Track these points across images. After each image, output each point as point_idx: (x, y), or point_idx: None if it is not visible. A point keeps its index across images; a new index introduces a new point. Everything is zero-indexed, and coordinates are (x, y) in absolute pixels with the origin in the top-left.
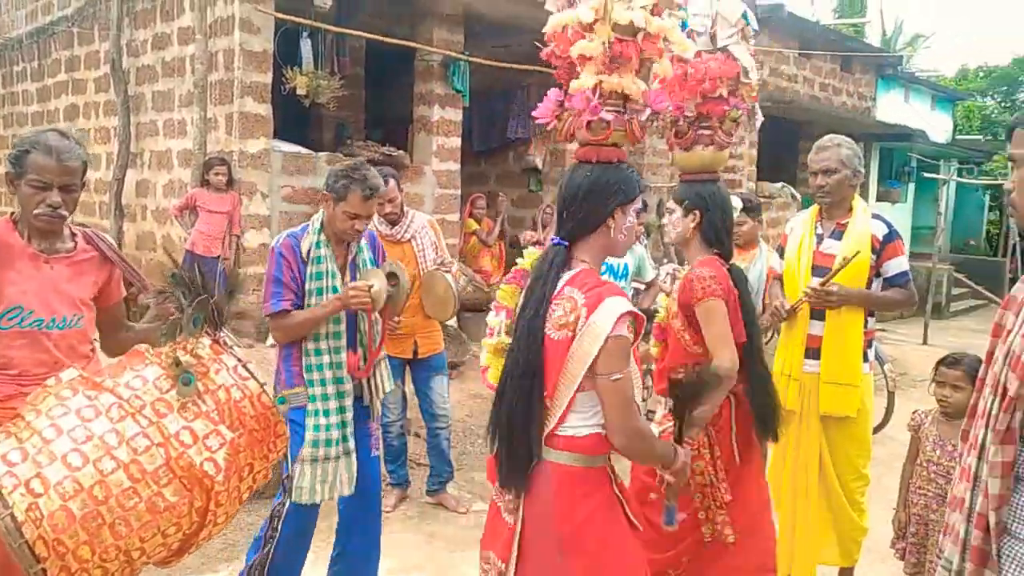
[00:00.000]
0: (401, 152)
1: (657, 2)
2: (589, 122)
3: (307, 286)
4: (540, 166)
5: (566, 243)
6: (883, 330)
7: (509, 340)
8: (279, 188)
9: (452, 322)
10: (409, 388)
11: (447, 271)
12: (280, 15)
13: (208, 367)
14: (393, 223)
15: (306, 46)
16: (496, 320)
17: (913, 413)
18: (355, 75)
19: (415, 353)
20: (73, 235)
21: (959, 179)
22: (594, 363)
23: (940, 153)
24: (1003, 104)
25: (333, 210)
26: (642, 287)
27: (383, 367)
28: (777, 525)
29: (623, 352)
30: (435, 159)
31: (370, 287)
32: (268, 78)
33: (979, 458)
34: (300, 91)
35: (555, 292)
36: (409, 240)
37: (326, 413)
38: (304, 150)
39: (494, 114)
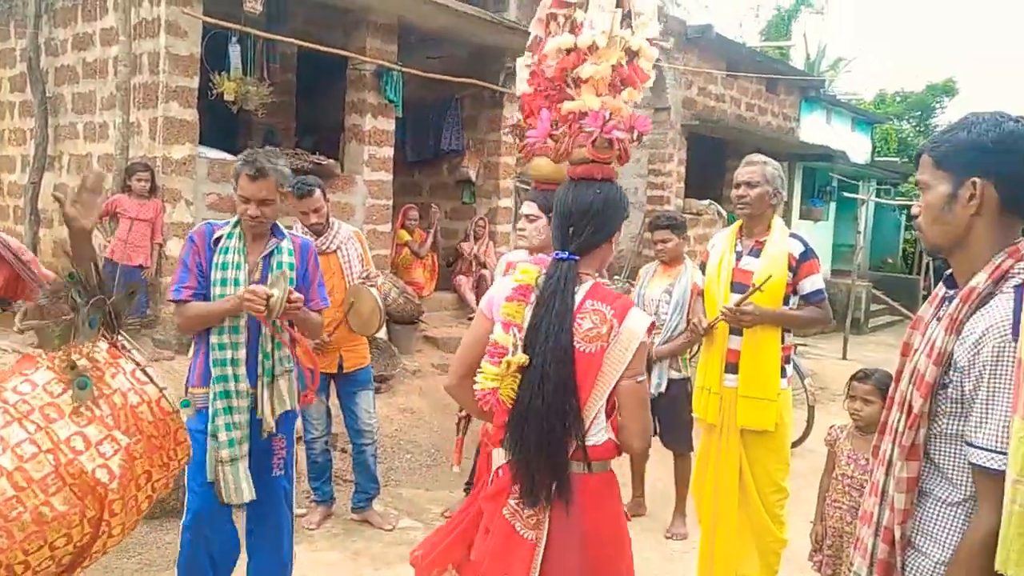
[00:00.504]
0: (332, 161)
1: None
2: (594, 140)
3: (212, 275)
4: (474, 178)
5: (576, 257)
6: (804, 344)
7: (524, 358)
8: (204, 195)
9: (383, 334)
10: (335, 403)
11: (372, 285)
12: (208, 19)
13: (104, 371)
14: (318, 233)
15: (235, 51)
16: (505, 337)
17: (830, 428)
18: (286, 82)
19: (340, 367)
20: None
21: (877, 199)
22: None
23: (860, 174)
24: (917, 128)
25: (236, 201)
26: None
27: (282, 381)
28: (698, 537)
29: (646, 356)
30: (367, 169)
31: (269, 296)
32: (195, 83)
33: (886, 473)
34: (228, 97)
35: (577, 306)
36: (335, 251)
37: (227, 411)
38: (231, 157)
39: (428, 125)
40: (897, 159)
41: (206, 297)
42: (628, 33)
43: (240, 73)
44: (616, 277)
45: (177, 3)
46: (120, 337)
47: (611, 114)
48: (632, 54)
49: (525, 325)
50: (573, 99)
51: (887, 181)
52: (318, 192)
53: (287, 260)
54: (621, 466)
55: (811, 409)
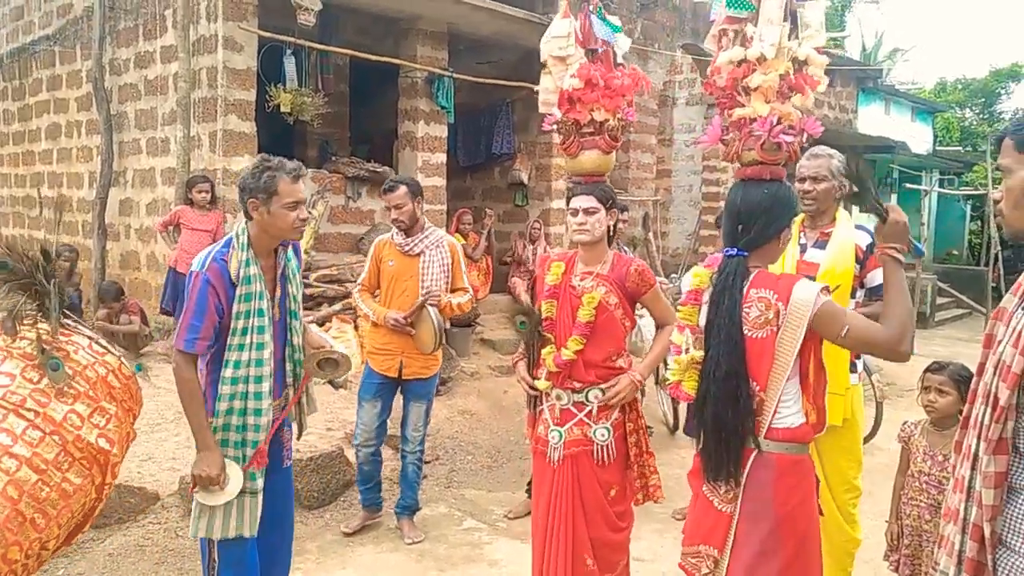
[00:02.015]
0: (386, 168)
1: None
2: (763, 143)
3: (234, 309)
4: (526, 181)
5: (745, 253)
6: None
7: (699, 354)
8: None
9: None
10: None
11: (433, 304)
12: (263, 33)
13: (67, 350)
14: (406, 232)
15: (290, 64)
16: (681, 338)
17: (903, 424)
18: (339, 92)
19: (399, 373)
20: None
21: (941, 190)
22: (814, 335)
23: (921, 164)
24: (981, 116)
25: (268, 212)
26: None
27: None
28: None
29: (837, 311)
30: (420, 175)
31: (219, 477)
32: (252, 96)
33: (972, 468)
34: (284, 108)
35: (744, 296)
36: (418, 255)
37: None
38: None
39: (479, 130)
40: (960, 148)
41: (215, 344)
42: (795, 44)
43: (295, 85)
44: (673, 275)
45: (233, 18)
46: (65, 317)
47: (780, 119)
48: (800, 63)
49: (702, 321)
50: (743, 106)
51: (950, 171)
52: (403, 189)
53: (294, 265)
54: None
55: (879, 405)
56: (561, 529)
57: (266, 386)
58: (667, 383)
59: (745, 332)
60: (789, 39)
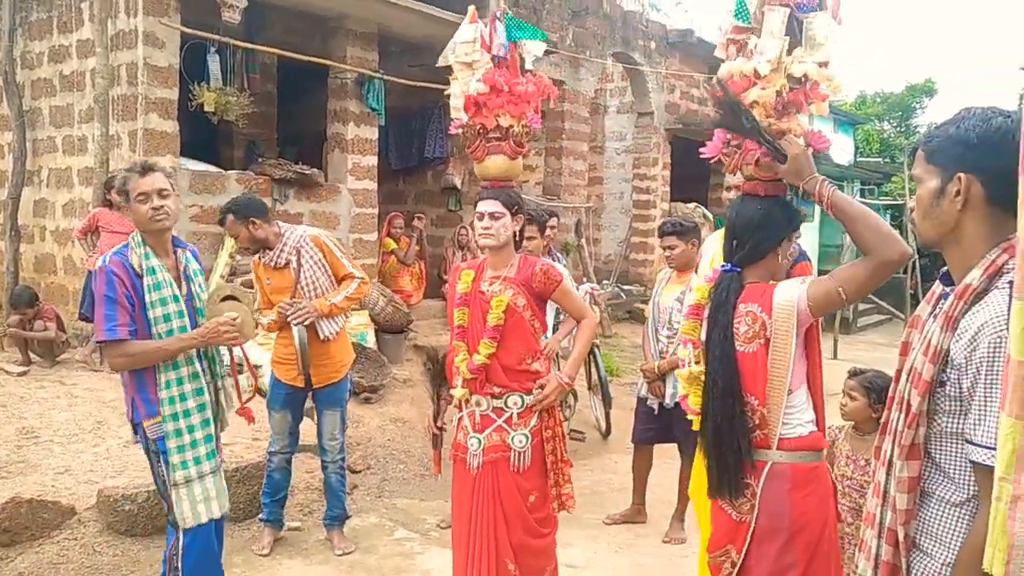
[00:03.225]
0: (315, 171)
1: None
2: (758, 160)
3: (146, 299)
4: (459, 185)
5: (739, 269)
6: None
7: (699, 368)
8: (187, 208)
9: (372, 344)
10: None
11: (296, 321)
12: (186, 29)
13: None
14: (266, 250)
15: (214, 62)
16: (685, 351)
17: (827, 428)
18: (266, 92)
19: (308, 383)
20: None
21: (862, 199)
22: (813, 332)
23: (844, 175)
24: (898, 128)
25: (130, 210)
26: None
27: (228, 383)
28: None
29: (822, 283)
30: (351, 177)
31: (235, 318)
32: (174, 94)
33: (887, 474)
34: (208, 108)
35: (733, 312)
36: (286, 265)
37: (190, 429)
38: (213, 168)
39: (411, 133)
40: (879, 159)
41: (135, 330)
42: (790, 61)
43: (220, 83)
44: (604, 281)
45: (154, 13)
46: None
47: (774, 135)
48: (796, 80)
49: (703, 337)
50: None
51: (870, 181)
52: (229, 218)
53: (196, 267)
54: (617, 473)
55: None
56: (483, 536)
57: (199, 365)
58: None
59: (737, 347)
60: (790, 53)
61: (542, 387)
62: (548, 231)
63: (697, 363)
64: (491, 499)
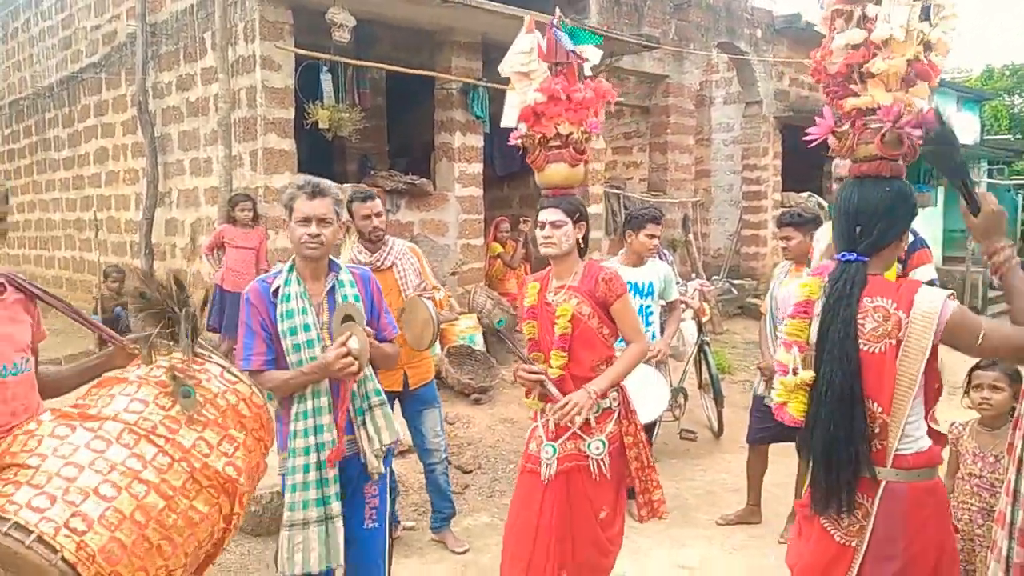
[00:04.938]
0: (424, 180)
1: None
2: (883, 136)
3: (279, 327)
4: None
5: (865, 258)
6: None
7: (809, 375)
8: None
9: (480, 346)
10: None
11: (428, 297)
12: (300, 51)
13: (199, 378)
14: (376, 241)
15: (326, 80)
16: (788, 356)
17: (950, 426)
18: (376, 106)
19: (405, 385)
20: None
21: (990, 180)
22: (935, 350)
23: (969, 155)
24: None
25: (289, 229)
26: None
27: (379, 413)
28: None
29: (969, 318)
30: (458, 185)
31: (348, 346)
32: (290, 113)
33: (1019, 472)
34: (322, 125)
35: (857, 307)
36: (390, 268)
37: (305, 469)
38: (329, 183)
39: None
40: (1009, 136)
41: (277, 358)
42: (927, 26)
43: (333, 101)
44: (715, 277)
45: (270, 38)
46: (197, 345)
47: (906, 109)
48: (928, 47)
49: (813, 336)
50: (857, 95)
51: (999, 160)
52: (378, 199)
53: (351, 292)
54: (730, 473)
55: None
56: (549, 549)
57: (324, 400)
58: (770, 400)
59: (860, 347)
60: (920, 20)
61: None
62: (644, 238)
63: (805, 368)
64: (562, 512)
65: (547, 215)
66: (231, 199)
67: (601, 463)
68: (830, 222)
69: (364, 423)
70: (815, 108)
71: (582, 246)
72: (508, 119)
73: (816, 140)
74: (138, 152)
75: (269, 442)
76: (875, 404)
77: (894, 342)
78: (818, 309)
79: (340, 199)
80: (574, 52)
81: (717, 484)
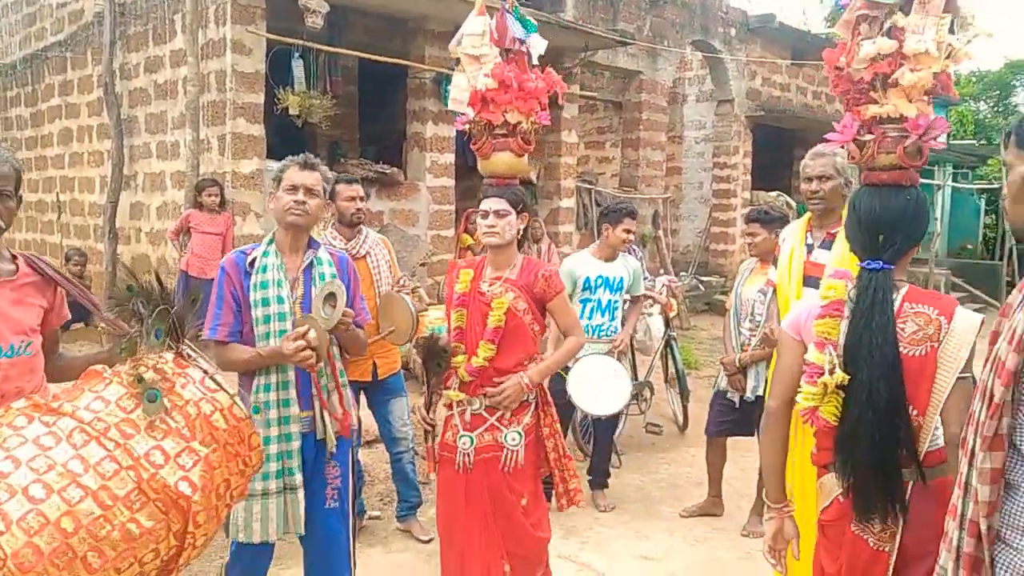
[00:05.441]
0: (395, 169)
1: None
2: (906, 147)
3: (251, 297)
4: (534, 180)
5: (891, 266)
6: None
7: (845, 376)
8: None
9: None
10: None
11: (406, 292)
12: (271, 36)
13: (174, 381)
14: (354, 227)
15: (298, 66)
16: (822, 357)
17: None
18: (348, 94)
19: (374, 375)
20: (14, 258)
21: (954, 184)
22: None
23: (934, 159)
24: (996, 108)
25: (274, 198)
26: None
27: (335, 397)
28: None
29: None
30: (429, 175)
31: (307, 339)
32: (260, 99)
33: (970, 465)
34: (293, 111)
35: (896, 311)
36: (364, 256)
37: (266, 441)
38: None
39: None
40: (974, 141)
41: (239, 330)
42: (955, 40)
43: (304, 87)
44: (683, 274)
45: (242, 22)
46: (185, 346)
47: (933, 122)
48: (950, 58)
49: (841, 341)
50: (877, 103)
51: (964, 165)
52: (360, 184)
53: (328, 271)
54: (694, 466)
55: None
56: (476, 536)
57: (292, 374)
58: (803, 409)
59: (900, 350)
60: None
61: (501, 386)
62: (622, 233)
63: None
64: (484, 500)
65: (491, 204)
66: (198, 184)
67: (515, 454)
68: (796, 221)
69: (328, 400)
70: (786, 108)
71: (522, 237)
72: (455, 103)
73: (839, 143)
74: (103, 134)
75: (252, 460)
76: (913, 408)
77: (936, 344)
78: (846, 313)
79: (329, 178)
80: (521, 40)
81: (681, 477)
